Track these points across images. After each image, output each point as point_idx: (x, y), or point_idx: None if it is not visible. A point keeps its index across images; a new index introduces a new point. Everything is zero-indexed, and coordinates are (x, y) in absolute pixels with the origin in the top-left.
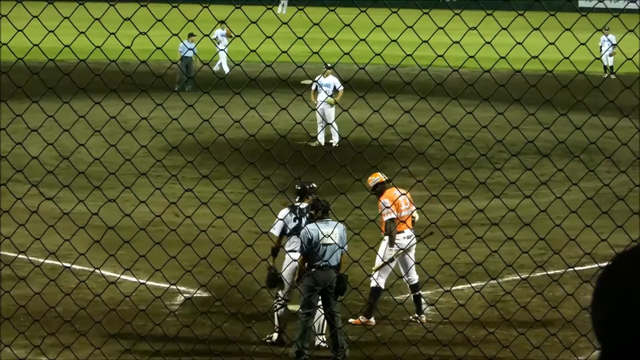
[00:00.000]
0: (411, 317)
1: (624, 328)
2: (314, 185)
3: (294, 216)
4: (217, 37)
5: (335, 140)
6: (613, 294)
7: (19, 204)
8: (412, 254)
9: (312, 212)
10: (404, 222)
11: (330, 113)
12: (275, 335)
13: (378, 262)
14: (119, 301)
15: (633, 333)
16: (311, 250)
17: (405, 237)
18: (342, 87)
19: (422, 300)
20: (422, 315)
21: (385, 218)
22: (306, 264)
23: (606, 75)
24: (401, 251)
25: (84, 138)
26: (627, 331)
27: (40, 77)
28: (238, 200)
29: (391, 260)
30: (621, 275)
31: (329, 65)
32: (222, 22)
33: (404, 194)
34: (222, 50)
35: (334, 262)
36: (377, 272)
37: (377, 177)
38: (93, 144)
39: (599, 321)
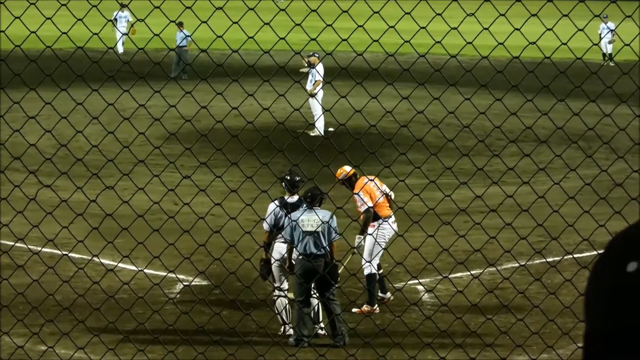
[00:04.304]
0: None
1: (612, 313)
2: (299, 175)
3: (285, 210)
4: (115, 19)
5: (315, 132)
6: (601, 278)
7: (17, 192)
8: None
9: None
10: (385, 206)
11: (311, 103)
12: (286, 328)
13: (367, 249)
14: (118, 289)
15: (620, 318)
16: (293, 238)
17: (393, 222)
18: (319, 78)
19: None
20: (388, 294)
21: (362, 209)
22: (295, 252)
23: (604, 62)
24: (395, 236)
25: (82, 126)
26: (614, 316)
27: (38, 64)
28: (236, 187)
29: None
30: (610, 259)
31: (311, 53)
32: (124, 5)
33: (371, 180)
34: (120, 31)
35: (318, 250)
36: (370, 257)
37: (344, 173)
38: (91, 132)
39: (590, 307)
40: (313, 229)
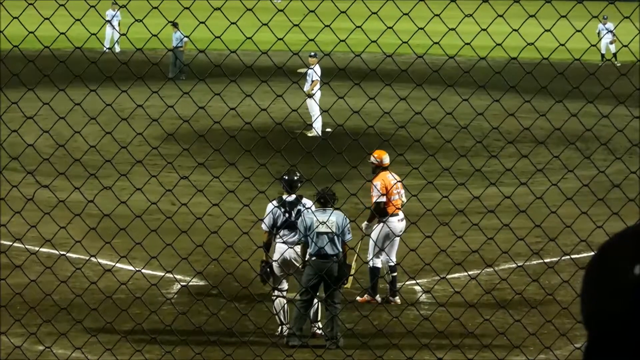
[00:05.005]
0: (385, 298)
1: (612, 315)
2: (298, 175)
3: (282, 209)
4: (111, 19)
5: (313, 132)
6: (602, 280)
7: (15, 192)
8: (398, 237)
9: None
10: (395, 205)
11: (308, 104)
12: (283, 328)
13: (371, 244)
14: (115, 289)
15: (621, 320)
16: (307, 238)
17: (400, 220)
18: (316, 79)
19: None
20: (397, 297)
21: (374, 200)
22: (306, 252)
23: (602, 62)
24: (396, 236)
25: (80, 126)
26: (614, 318)
27: (36, 64)
28: (234, 188)
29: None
30: (610, 261)
31: (312, 53)
32: (122, 6)
33: (399, 180)
34: (117, 31)
35: (332, 250)
36: (372, 252)
37: (379, 159)
38: (89, 132)
39: (588, 308)
40: (327, 230)
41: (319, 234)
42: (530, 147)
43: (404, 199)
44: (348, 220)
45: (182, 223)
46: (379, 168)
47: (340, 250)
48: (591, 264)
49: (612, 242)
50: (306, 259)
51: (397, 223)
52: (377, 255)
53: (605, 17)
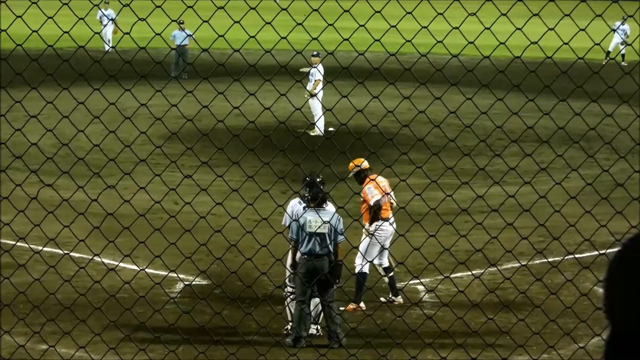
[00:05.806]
0: (387, 298)
1: (630, 313)
2: (320, 177)
3: (303, 205)
4: (100, 18)
5: (316, 131)
6: (627, 275)
7: (18, 191)
8: (389, 240)
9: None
10: (387, 209)
11: (311, 103)
12: (289, 327)
13: (362, 248)
14: (119, 288)
15: (637, 317)
16: (298, 237)
17: (392, 224)
18: (319, 78)
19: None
20: (399, 297)
21: (372, 201)
22: (300, 252)
23: (606, 61)
24: (390, 236)
25: (83, 125)
26: (632, 316)
27: (39, 63)
28: (237, 187)
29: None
30: (629, 262)
31: (314, 53)
32: (107, 2)
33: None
34: (105, 29)
35: (323, 250)
36: (362, 257)
37: (361, 164)
38: (92, 131)
39: (612, 302)
40: (320, 231)
41: (311, 233)
42: (534, 146)
43: (394, 201)
44: (342, 222)
45: (186, 222)
46: (366, 171)
47: (332, 250)
48: (612, 263)
49: (631, 241)
50: (297, 258)
51: (389, 226)
52: (367, 260)
53: (625, 17)
